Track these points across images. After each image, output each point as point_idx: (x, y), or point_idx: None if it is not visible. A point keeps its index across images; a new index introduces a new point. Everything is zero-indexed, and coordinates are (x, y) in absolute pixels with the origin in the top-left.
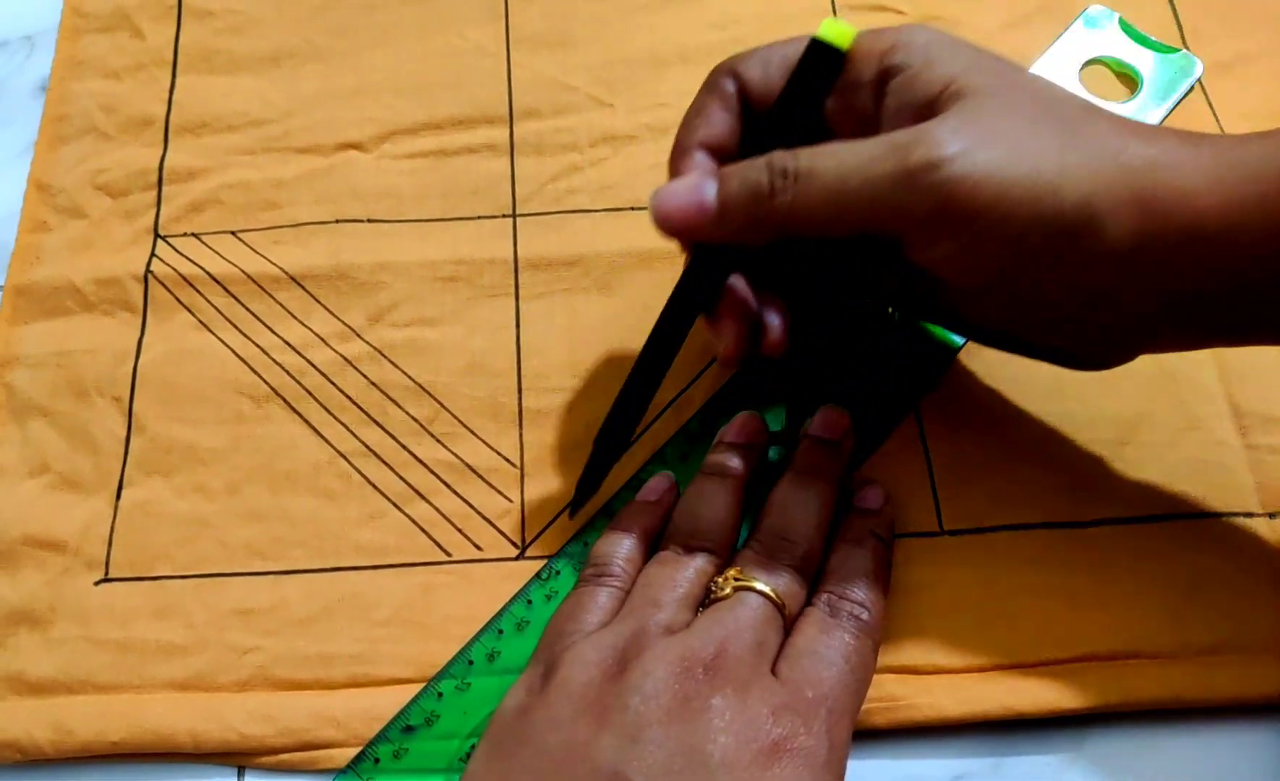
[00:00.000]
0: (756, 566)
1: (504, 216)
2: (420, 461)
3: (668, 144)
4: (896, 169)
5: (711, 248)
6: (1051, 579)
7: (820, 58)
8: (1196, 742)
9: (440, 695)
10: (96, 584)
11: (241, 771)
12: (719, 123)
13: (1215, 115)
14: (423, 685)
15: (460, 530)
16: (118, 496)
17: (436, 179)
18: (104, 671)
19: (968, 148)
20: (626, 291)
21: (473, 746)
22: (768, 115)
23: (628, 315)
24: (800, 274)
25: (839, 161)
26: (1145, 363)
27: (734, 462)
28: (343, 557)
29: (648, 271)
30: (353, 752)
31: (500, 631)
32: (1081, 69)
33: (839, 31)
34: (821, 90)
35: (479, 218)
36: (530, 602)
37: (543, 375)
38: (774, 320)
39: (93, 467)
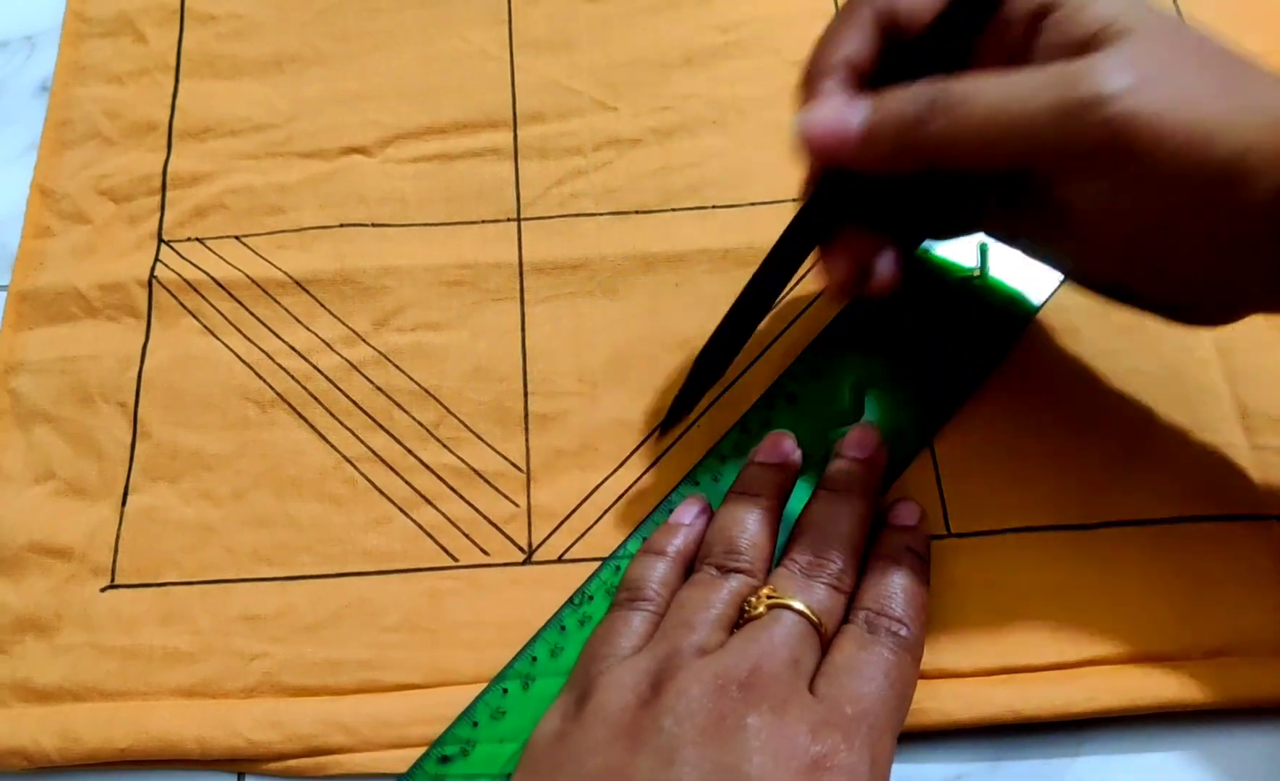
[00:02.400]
0: (791, 584)
1: (509, 220)
2: (426, 466)
3: (672, 147)
4: (1060, 100)
5: (840, 176)
6: (1059, 582)
7: None
8: (1196, 743)
9: (475, 724)
10: (102, 590)
11: (242, 777)
12: (859, 44)
13: None
14: (431, 689)
15: (467, 535)
16: (123, 502)
17: (441, 183)
18: (110, 678)
19: (1135, 84)
20: (632, 295)
21: (509, 775)
22: (914, 44)
23: (633, 318)
24: (923, 210)
25: (997, 90)
26: (1152, 364)
27: (766, 482)
28: (349, 563)
29: (653, 275)
30: (360, 758)
31: (534, 658)
32: None
33: None
34: (978, 23)
35: (483, 222)
36: (564, 628)
37: (548, 379)
38: (886, 260)
39: (98, 474)
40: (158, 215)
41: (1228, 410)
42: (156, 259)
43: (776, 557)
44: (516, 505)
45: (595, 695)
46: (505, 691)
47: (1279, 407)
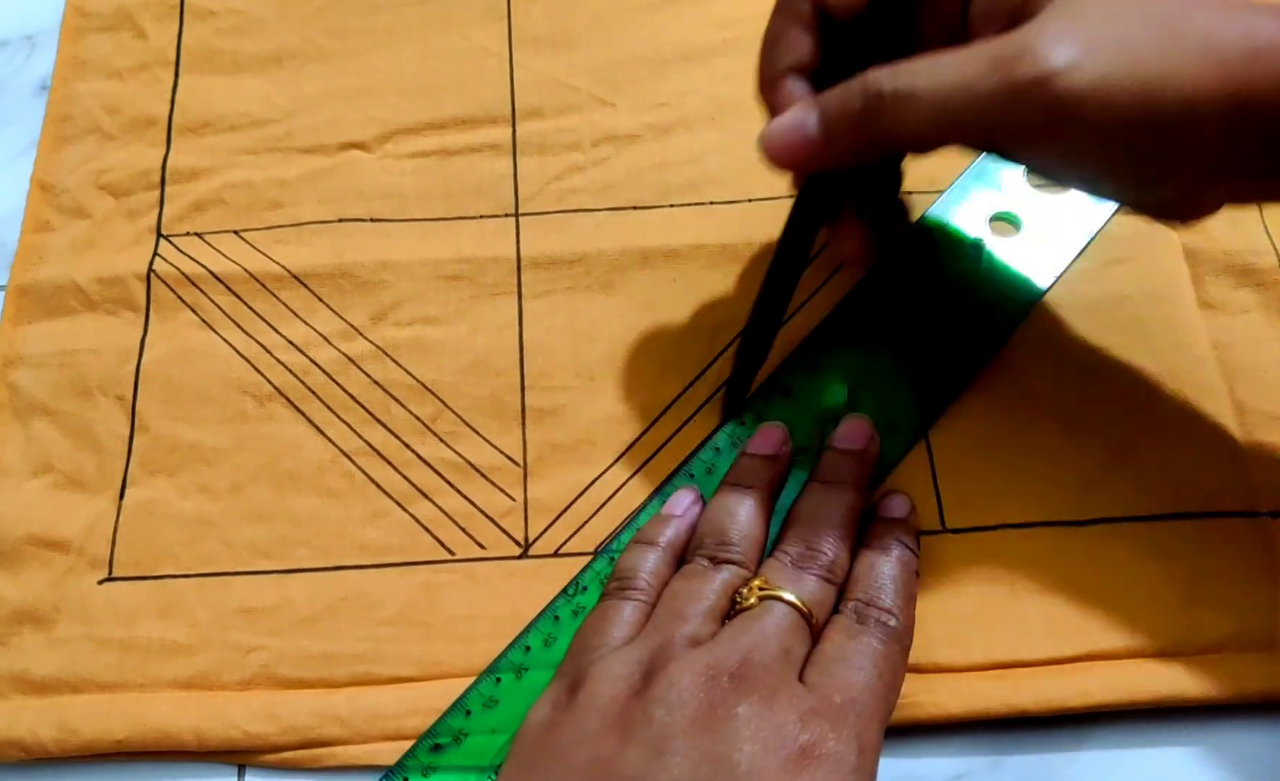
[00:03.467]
0: (782, 575)
1: (507, 215)
2: (423, 460)
3: (670, 143)
4: (1002, 84)
5: (821, 173)
6: (1054, 577)
7: None
8: (1196, 740)
9: (468, 713)
10: (100, 583)
11: (242, 770)
12: (800, 44)
13: None
14: (426, 682)
15: (463, 529)
16: (121, 496)
17: (439, 178)
18: (107, 670)
19: (1075, 58)
20: (628, 290)
21: (501, 765)
22: (853, 29)
23: (630, 313)
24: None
25: (940, 78)
26: (1148, 361)
27: (758, 473)
28: (346, 557)
29: (649, 270)
30: (355, 750)
31: (528, 647)
32: None
33: None
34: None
35: (482, 217)
36: (557, 618)
37: (545, 373)
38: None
39: (96, 467)
40: (157, 210)
41: (1224, 406)
42: (155, 253)
43: (769, 549)
44: (513, 499)
45: (586, 685)
46: (498, 681)
47: (1275, 404)
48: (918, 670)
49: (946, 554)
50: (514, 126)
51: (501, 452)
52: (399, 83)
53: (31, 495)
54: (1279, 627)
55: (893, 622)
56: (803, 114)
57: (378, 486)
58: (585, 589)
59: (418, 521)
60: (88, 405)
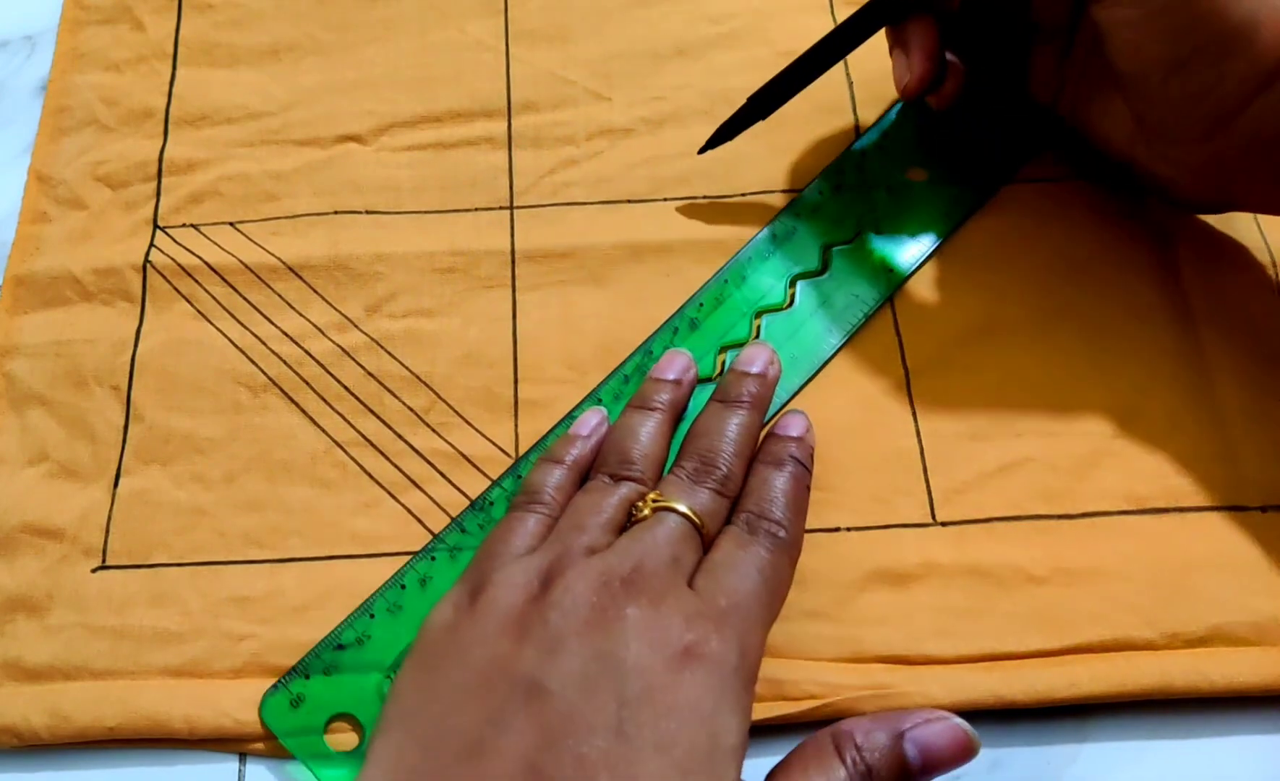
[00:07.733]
0: (677, 489)
1: (501, 209)
2: (416, 451)
3: (664, 137)
4: None
5: None
6: (1042, 570)
7: None
8: (1195, 739)
9: (373, 616)
10: (94, 571)
11: (244, 759)
12: None
13: None
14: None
15: (455, 519)
16: (115, 485)
17: (435, 171)
18: (100, 658)
19: None
20: (621, 283)
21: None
22: None
23: (622, 306)
24: (981, 40)
25: None
26: (1137, 354)
27: (661, 396)
28: (338, 546)
29: (641, 264)
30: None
31: (434, 557)
32: None
33: None
34: None
35: (476, 210)
36: (464, 530)
37: (538, 366)
38: (952, 76)
39: (91, 456)
40: (153, 201)
41: (1212, 400)
42: (151, 244)
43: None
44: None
45: (488, 590)
46: (404, 587)
47: (1263, 398)
48: (905, 661)
49: (936, 546)
50: (509, 120)
51: (493, 444)
52: (395, 76)
53: (26, 484)
54: (1267, 621)
55: (782, 534)
56: None
57: (370, 476)
58: (493, 504)
59: (409, 511)
60: (83, 395)
